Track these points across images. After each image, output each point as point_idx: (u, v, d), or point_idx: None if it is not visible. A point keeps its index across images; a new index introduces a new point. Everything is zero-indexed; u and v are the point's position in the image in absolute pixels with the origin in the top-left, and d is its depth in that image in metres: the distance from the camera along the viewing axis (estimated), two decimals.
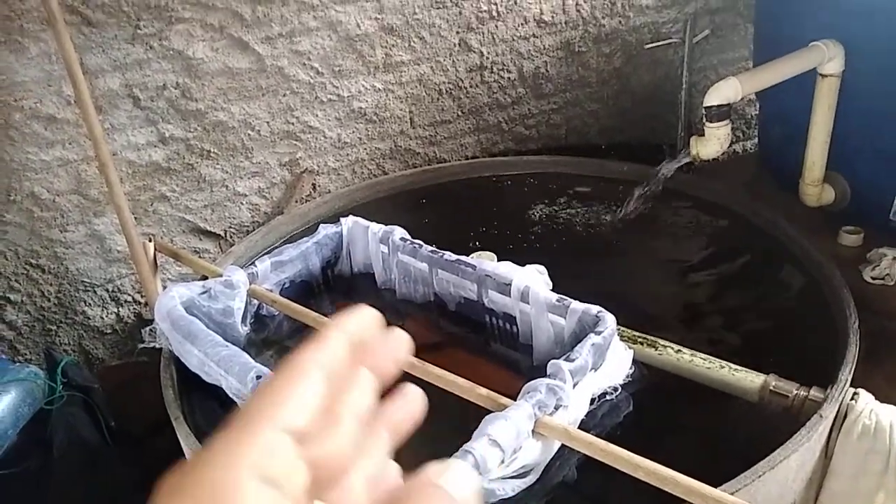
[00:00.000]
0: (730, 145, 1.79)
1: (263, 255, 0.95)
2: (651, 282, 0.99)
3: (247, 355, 0.72)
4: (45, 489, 0.77)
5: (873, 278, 0.97)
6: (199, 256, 1.19)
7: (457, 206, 1.20)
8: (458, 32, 1.27)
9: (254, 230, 1.14)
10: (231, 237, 1.20)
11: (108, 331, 1.18)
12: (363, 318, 0.24)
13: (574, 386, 0.64)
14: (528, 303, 0.76)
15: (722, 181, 1.56)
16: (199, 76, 1.07)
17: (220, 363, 0.71)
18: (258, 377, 0.68)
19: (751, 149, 1.78)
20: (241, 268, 0.89)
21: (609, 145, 1.57)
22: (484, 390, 0.65)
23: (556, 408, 0.62)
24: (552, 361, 0.64)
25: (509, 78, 1.37)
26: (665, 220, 1.10)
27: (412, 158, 1.33)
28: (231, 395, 0.71)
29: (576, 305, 0.72)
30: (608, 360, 0.68)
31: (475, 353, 0.85)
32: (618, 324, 0.82)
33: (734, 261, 1.00)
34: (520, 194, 1.22)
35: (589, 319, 0.71)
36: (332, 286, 0.99)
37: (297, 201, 1.20)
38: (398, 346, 0.25)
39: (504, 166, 1.29)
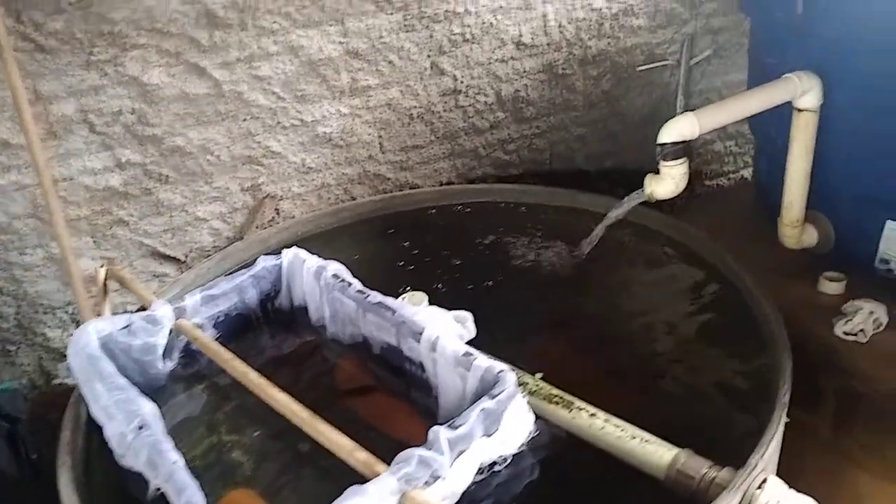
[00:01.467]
0: (736, 171, 1.72)
1: (195, 288, 0.94)
2: (599, 328, 0.93)
3: (144, 401, 0.70)
4: None
5: (846, 333, 0.89)
6: (161, 281, 1.19)
7: (421, 234, 1.17)
8: (429, 56, 1.24)
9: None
10: (192, 261, 1.20)
11: None
12: None
13: (459, 454, 0.60)
14: (437, 354, 0.72)
15: (719, 209, 1.49)
16: (156, 102, 1.07)
17: (110, 407, 0.70)
18: (140, 427, 0.66)
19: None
20: (173, 301, 0.88)
21: (599, 171, 1.51)
22: (363, 455, 0.61)
23: (436, 478, 0.59)
24: (433, 428, 0.60)
25: (486, 102, 1.33)
26: (625, 261, 1.04)
27: (382, 184, 1.30)
28: (109, 442, 0.69)
29: (480, 362, 0.68)
30: (504, 426, 0.64)
31: (399, 399, 0.82)
32: (544, 377, 0.78)
33: (690, 309, 0.93)
34: (487, 224, 1.18)
35: (490, 378, 0.67)
36: (272, 319, 0.97)
37: (257, 227, 1.19)
38: None
39: (475, 194, 1.25)
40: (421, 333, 0.74)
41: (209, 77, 1.09)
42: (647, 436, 0.66)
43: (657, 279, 0.99)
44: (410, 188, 1.29)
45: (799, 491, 0.78)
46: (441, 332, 0.73)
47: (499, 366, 0.67)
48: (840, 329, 0.89)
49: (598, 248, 1.03)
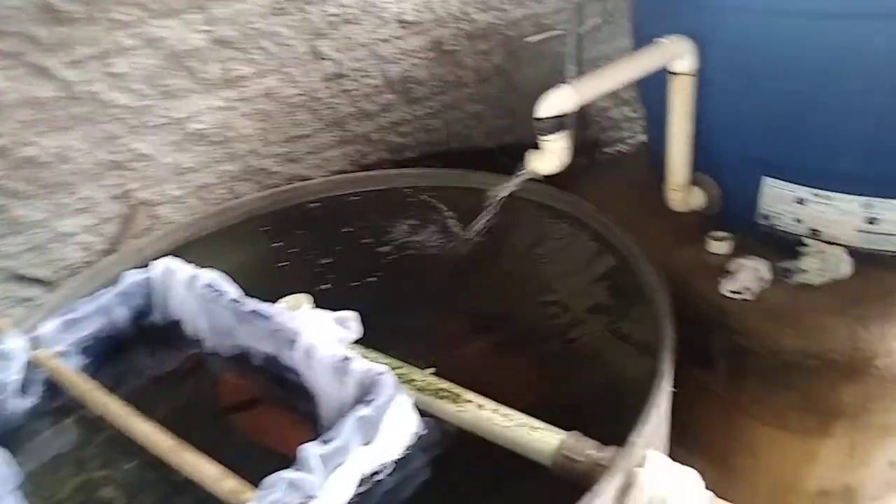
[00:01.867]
0: (634, 137, 1.73)
1: (62, 311, 0.85)
2: (492, 310, 0.92)
3: None
4: None
5: (732, 292, 0.90)
6: (27, 306, 1.09)
7: (313, 228, 1.11)
8: (306, 39, 1.17)
9: None
10: (61, 281, 1.10)
11: None
12: None
13: (334, 469, 0.57)
14: (313, 361, 0.68)
15: (617, 176, 1.49)
16: None
17: None
18: None
19: None
20: (34, 329, 0.80)
21: (498, 147, 1.49)
22: (230, 483, 0.57)
23: (309, 497, 0.55)
24: (301, 446, 0.56)
25: (373, 84, 1.27)
26: (515, 239, 1.02)
27: (269, 178, 1.23)
28: None
29: (356, 365, 0.64)
30: (384, 431, 0.61)
31: (284, 412, 0.77)
32: (436, 371, 0.75)
33: (584, 284, 0.92)
34: (382, 213, 1.14)
35: (369, 382, 0.63)
36: (148, 338, 0.90)
37: (132, 237, 1.10)
38: None
39: (368, 181, 1.20)
40: (294, 341, 0.69)
41: (57, 78, 0.99)
42: (535, 423, 0.64)
43: (550, 255, 0.98)
44: (300, 180, 1.23)
45: (696, 447, 0.79)
46: (317, 338, 0.69)
47: (377, 368, 0.64)
48: (726, 288, 0.90)
49: (490, 228, 1.00)
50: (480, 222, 0.99)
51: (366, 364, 0.64)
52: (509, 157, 1.47)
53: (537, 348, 0.87)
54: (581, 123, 1.50)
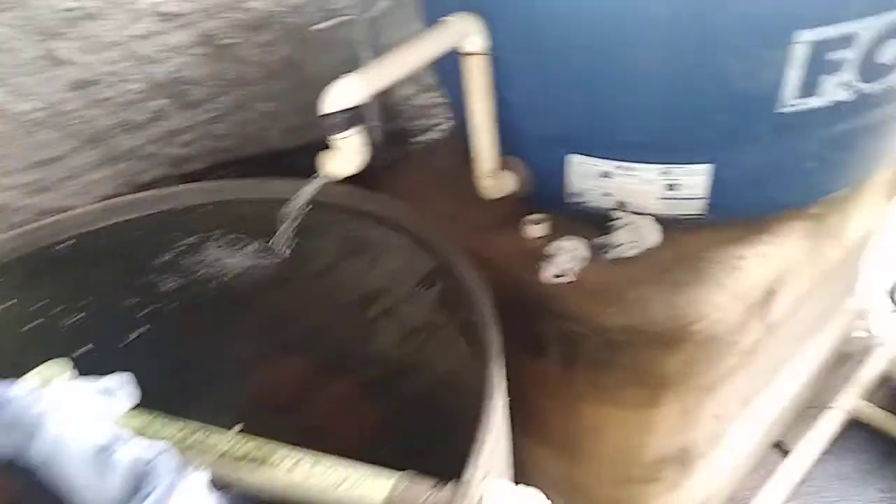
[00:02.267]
0: (444, 123, 1.69)
1: None
2: (314, 338, 0.81)
3: None
4: None
5: (554, 276, 0.87)
6: None
7: (81, 271, 0.92)
8: (36, 41, 0.96)
9: None
10: None
11: None
12: None
13: None
14: (63, 456, 0.53)
15: (430, 166, 1.43)
16: None
17: None
18: None
19: None
20: None
21: (300, 147, 1.36)
22: None
23: None
24: None
25: (136, 90, 1.08)
26: (328, 249, 0.91)
27: (13, 216, 1.00)
28: None
29: (122, 453, 0.50)
30: None
31: None
32: (245, 428, 0.63)
33: (409, 295, 0.84)
34: (167, 239, 0.96)
35: (141, 471, 0.49)
36: None
37: None
38: None
39: (144, 204, 1.01)
40: (37, 433, 0.53)
41: None
42: (360, 471, 0.55)
43: (363, 264, 0.89)
44: (56, 213, 1.01)
45: (541, 436, 0.73)
46: (67, 424, 0.53)
47: (150, 450, 0.50)
48: (547, 272, 0.87)
49: (294, 243, 0.88)
50: (281, 239, 0.87)
51: (135, 447, 0.50)
52: (311, 157, 1.36)
53: (364, 372, 0.78)
54: (384, 114, 1.42)
